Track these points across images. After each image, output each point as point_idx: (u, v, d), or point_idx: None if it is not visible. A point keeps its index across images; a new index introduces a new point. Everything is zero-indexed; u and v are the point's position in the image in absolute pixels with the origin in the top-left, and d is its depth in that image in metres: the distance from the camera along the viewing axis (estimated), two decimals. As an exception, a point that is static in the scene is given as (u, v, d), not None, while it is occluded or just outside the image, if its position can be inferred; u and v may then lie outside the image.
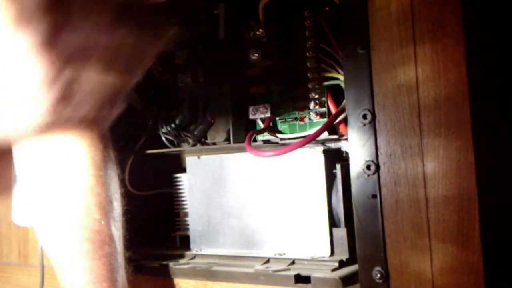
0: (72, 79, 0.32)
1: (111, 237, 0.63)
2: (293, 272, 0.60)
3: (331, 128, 0.64)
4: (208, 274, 0.67)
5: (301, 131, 0.67)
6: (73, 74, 0.32)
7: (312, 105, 0.66)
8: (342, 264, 0.61)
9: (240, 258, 0.68)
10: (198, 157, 0.75)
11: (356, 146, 0.54)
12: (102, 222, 0.62)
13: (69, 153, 0.61)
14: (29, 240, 0.93)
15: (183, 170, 0.79)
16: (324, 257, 0.63)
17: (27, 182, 0.65)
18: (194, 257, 0.72)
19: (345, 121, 0.59)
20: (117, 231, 0.64)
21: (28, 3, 0.29)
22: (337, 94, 0.64)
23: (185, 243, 0.77)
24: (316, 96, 0.65)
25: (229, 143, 0.71)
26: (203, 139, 0.73)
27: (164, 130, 0.75)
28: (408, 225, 0.51)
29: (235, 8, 0.71)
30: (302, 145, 0.61)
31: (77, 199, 0.62)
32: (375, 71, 0.53)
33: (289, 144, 0.67)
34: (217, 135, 0.72)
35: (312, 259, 0.63)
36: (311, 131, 0.65)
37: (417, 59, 0.51)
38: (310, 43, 0.65)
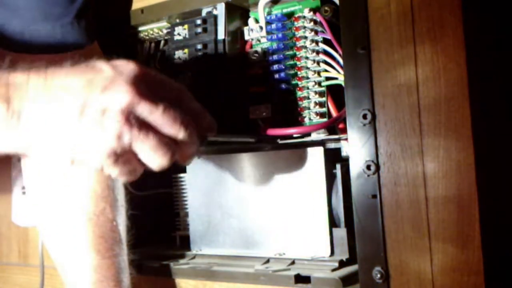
0: (129, 148, 0.42)
1: (121, 238, 0.64)
2: (293, 272, 0.60)
3: (331, 128, 0.65)
4: (208, 274, 0.67)
5: (301, 131, 0.67)
6: (132, 143, 0.42)
7: (312, 105, 0.65)
8: (342, 264, 0.61)
9: (240, 258, 0.68)
10: (198, 157, 0.75)
11: (356, 146, 0.54)
12: (114, 222, 0.64)
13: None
14: (29, 240, 0.93)
15: (183, 170, 0.79)
16: (324, 257, 0.63)
17: (36, 182, 0.66)
18: (194, 257, 0.72)
19: (344, 121, 0.59)
20: (125, 234, 0.66)
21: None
22: (337, 94, 0.64)
23: (185, 243, 0.77)
24: (316, 96, 0.65)
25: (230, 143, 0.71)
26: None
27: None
28: (408, 225, 0.51)
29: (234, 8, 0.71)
30: (326, 125, 0.64)
31: (93, 199, 0.63)
32: (375, 71, 0.53)
33: (289, 143, 0.67)
34: (217, 135, 0.72)
35: (312, 259, 0.63)
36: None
37: (417, 59, 0.51)
38: (310, 42, 0.65)
